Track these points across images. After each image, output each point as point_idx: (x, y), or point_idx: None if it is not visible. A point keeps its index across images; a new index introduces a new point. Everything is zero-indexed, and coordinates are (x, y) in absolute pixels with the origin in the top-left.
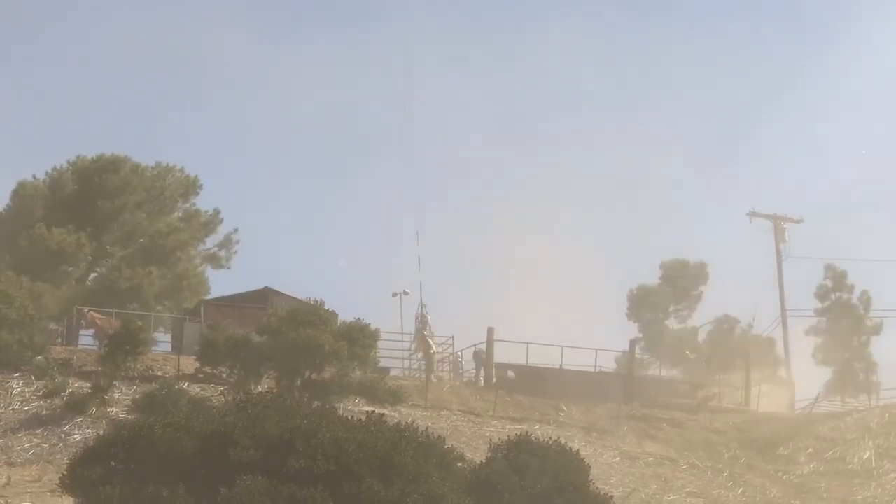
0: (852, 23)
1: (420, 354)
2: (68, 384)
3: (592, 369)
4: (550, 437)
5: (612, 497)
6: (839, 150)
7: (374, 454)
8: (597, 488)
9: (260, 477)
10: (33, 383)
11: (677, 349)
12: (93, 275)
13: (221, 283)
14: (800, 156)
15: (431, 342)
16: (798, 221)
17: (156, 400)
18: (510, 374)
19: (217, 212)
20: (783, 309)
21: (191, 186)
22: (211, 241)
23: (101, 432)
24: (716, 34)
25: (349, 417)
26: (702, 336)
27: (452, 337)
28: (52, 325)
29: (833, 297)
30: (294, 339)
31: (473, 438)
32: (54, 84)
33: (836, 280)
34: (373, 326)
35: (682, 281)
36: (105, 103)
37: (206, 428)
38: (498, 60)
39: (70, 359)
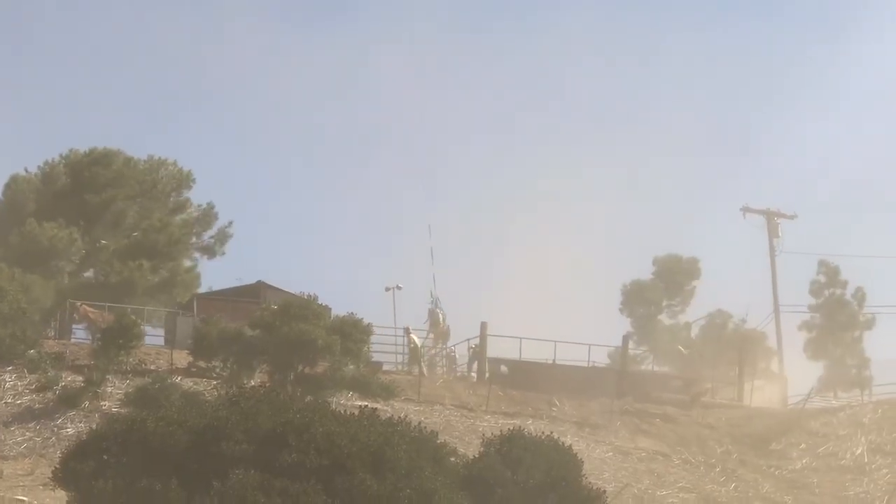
0: (843, 21)
1: (437, 349)
2: (61, 378)
3: (585, 364)
4: (543, 432)
5: (604, 492)
6: (833, 146)
7: (367, 449)
8: (589, 483)
9: (252, 471)
10: (26, 377)
11: (670, 344)
12: (85, 269)
13: (214, 278)
14: (793, 152)
15: (415, 337)
16: (792, 217)
17: (148, 394)
18: (503, 368)
19: (211, 206)
20: (776, 304)
21: (184, 180)
22: (205, 236)
23: (94, 426)
24: (715, 33)
25: (342, 412)
26: (695, 331)
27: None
28: (36, 318)
29: (826, 292)
30: (287, 334)
31: (466, 433)
32: (53, 82)
33: (830, 276)
34: (365, 321)
35: (675, 276)
36: (101, 99)
37: (199, 422)
38: (498, 60)
39: (63, 352)
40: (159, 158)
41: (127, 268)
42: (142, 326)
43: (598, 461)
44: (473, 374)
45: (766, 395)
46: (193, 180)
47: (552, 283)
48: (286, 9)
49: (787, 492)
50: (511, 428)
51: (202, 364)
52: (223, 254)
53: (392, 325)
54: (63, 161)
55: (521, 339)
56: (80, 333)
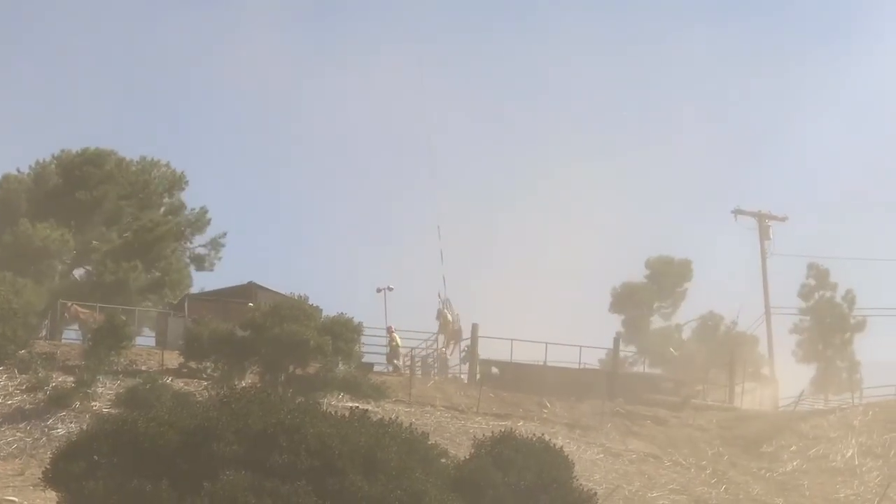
0: (839, 22)
1: (450, 349)
2: (52, 378)
3: (577, 366)
4: (534, 434)
5: (595, 493)
6: (826, 149)
7: (358, 450)
8: (580, 485)
9: (243, 472)
10: (17, 377)
11: (661, 346)
12: (77, 269)
13: (206, 279)
14: (788, 154)
15: (397, 336)
16: (783, 219)
17: (139, 394)
18: (494, 370)
19: (204, 210)
20: (767, 306)
21: (176, 182)
22: (198, 241)
23: (85, 426)
24: (714, 34)
25: (333, 413)
26: (686, 333)
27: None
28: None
29: (817, 295)
30: (278, 334)
31: (457, 435)
32: (45, 82)
33: (819, 278)
34: (356, 321)
35: (666, 278)
36: (99, 99)
37: (190, 422)
38: (498, 60)
39: (54, 353)
40: (152, 159)
41: (120, 268)
42: (132, 327)
43: (589, 463)
44: (464, 376)
45: (756, 398)
46: (186, 182)
47: (543, 284)
48: (284, 9)
49: (778, 494)
50: (502, 429)
51: (193, 365)
52: (215, 263)
53: (383, 326)
54: (55, 161)
55: (512, 340)
56: (71, 334)
